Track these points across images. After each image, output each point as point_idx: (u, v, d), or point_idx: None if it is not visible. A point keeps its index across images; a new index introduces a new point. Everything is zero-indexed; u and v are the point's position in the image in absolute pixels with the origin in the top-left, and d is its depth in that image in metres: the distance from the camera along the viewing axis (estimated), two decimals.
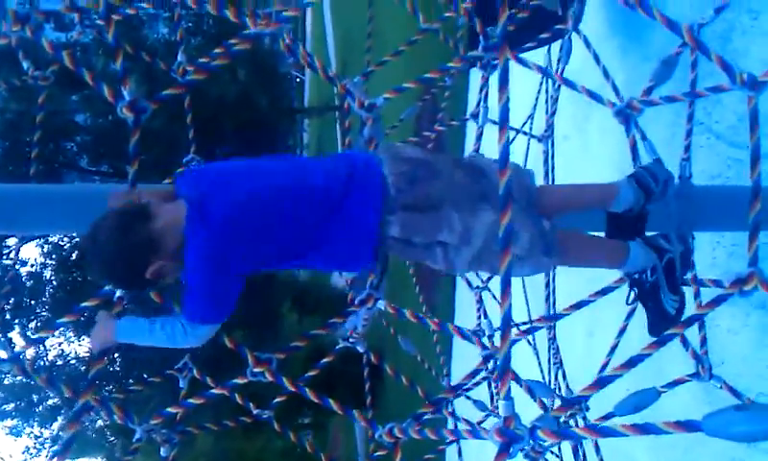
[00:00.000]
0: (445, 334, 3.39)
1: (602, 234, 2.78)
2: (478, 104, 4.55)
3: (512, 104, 1.77)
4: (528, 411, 2.01)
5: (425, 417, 2.44)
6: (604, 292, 2.97)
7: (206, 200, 2.27)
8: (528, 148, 6.25)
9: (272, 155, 2.63)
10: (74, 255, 18.74)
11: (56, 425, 20.00)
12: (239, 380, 2.70)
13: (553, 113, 5.69)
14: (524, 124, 6.15)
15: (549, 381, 5.34)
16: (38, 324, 17.85)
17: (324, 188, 2.34)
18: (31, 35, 3.09)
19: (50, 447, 20.15)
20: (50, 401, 19.31)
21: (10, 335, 3.37)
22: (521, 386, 3.01)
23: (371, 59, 4.33)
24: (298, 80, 36.27)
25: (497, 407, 4.53)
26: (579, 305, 3.03)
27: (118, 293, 2.57)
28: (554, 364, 5.31)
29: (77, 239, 18.00)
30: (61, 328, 16.59)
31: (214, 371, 3.63)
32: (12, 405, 19.71)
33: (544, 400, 3.32)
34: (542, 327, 4.41)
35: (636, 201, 2.65)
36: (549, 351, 5.39)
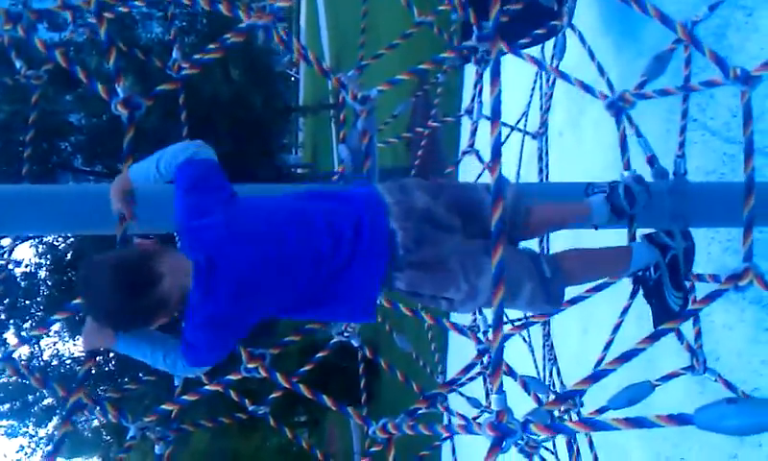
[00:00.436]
0: (441, 330, 3.39)
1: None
2: (473, 99, 4.56)
3: (506, 101, 1.77)
4: (524, 408, 2.01)
5: (420, 412, 2.44)
6: (599, 288, 2.97)
7: (212, 268, 2.25)
8: (522, 145, 6.25)
9: (272, 198, 2.55)
10: (68, 256, 18.69)
11: (51, 425, 19.96)
12: (233, 377, 2.69)
13: (547, 110, 5.70)
14: (518, 121, 6.15)
15: (544, 377, 5.35)
16: (33, 324, 17.80)
17: (329, 255, 2.34)
18: (23, 34, 3.08)
19: (45, 446, 20.12)
20: (45, 401, 19.27)
21: (4, 335, 3.37)
22: (516, 380, 3.01)
23: (365, 53, 4.33)
24: (292, 78, 36.24)
25: (491, 403, 4.53)
26: (574, 301, 3.03)
27: None
28: (549, 360, 5.31)
29: (71, 239, 17.98)
30: (56, 326, 16.56)
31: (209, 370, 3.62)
32: (7, 406, 19.67)
33: (539, 395, 3.32)
34: (537, 323, 4.40)
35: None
36: (544, 347, 5.40)
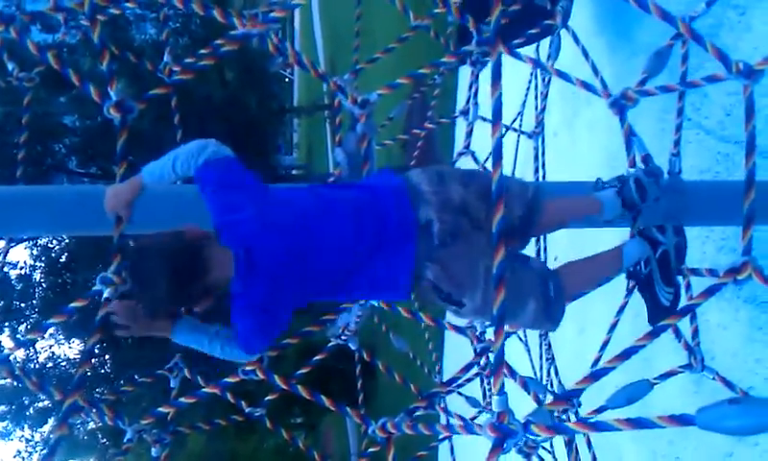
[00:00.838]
0: (438, 330, 3.40)
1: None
2: (468, 101, 4.56)
3: (502, 100, 1.77)
4: (521, 408, 2.01)
5: (418, 412, 2.44)
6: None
7: (250, 259, 2.35)
8: (518, 144, 6.25)
9: (299, 190, 2.63)
10: (63, 258, 18.64)
11: (47, 428, 19.91)
12: (231, 379, 2.68)
13: (543, 109, 5.70)
14: (514, 121, 6.16)
15: (541, 378, 5.35)
16: (28, 326, 17.75)
17: (354, 243, 2.44)
18: (15, 35, 3.07)
19: (41, 449, 20.06)
20: (41, 404, 19.22)
21: None
22: (516, 380, 3.01)
23: (359, 57, 4.32)
24: (287, 79, 36.21)
25: (490, 404, 4.53)
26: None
27: (106, 294, 2.55)
28: (546, 360, 5.31)
29: (66, 241, 17.93)
30: (52, 329, 16.51)
31: (205, 370, 3.61)
32: (2, 408, 19.61)
33: (539, 395, 3.32)
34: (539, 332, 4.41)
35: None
36: (541, 347, 5.40)
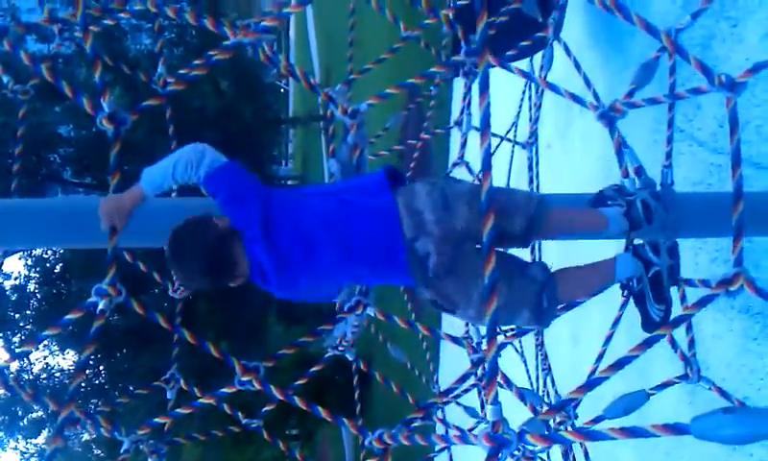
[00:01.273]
0: (433, 341, 3.40)
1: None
2: (462, 111, 4.58)
3: (495, 112, 1.79)
4: (518, 418, 2.02)
5: (415, 423, 2.44)
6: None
7: (262, 271, 2.62)
8: (512, 155, 6.28)
9: (301, 200, 2.72)
10: (57, 268, 18.59)
11: (41, 439, 19.80)
12: (227, 390, 2.68)
13: (536, 120, 5.73)
14: (508, 131, 6.18)
15: (537, 388, 5.35)
16: (23, 337, 17.68)
17: (347, 257, 2.59)
18: (9, 48, 3.07)
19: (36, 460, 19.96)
20: (35, 414, 19.12)
21: None
22: (512, 390, 3.01)
23: (353, 67, 4.34)
24: (282, 90, 36.24)
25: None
26: (566, 308, 3.04)
27: (101, 305, 2.55)
28: (542, 370, 5.32)
29: (60, 252, 17.88)
30: (46, 342, 16.46)
31: (201, 381, 3.61)
32: None
33: (534, 405, 3.33)
34: (530, 331, 4.42)
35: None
36: (537, 357, 5.41)
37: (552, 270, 2.74)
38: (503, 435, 1.52)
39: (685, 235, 3.29)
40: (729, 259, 2.39)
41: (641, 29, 2.54)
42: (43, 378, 18.90)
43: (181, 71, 3.70)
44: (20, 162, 4.11)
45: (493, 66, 2.85)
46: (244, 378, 2.58)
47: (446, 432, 4.30)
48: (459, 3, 3.81)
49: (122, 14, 3.56)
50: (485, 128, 1.73)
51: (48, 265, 18.63)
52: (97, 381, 18.53)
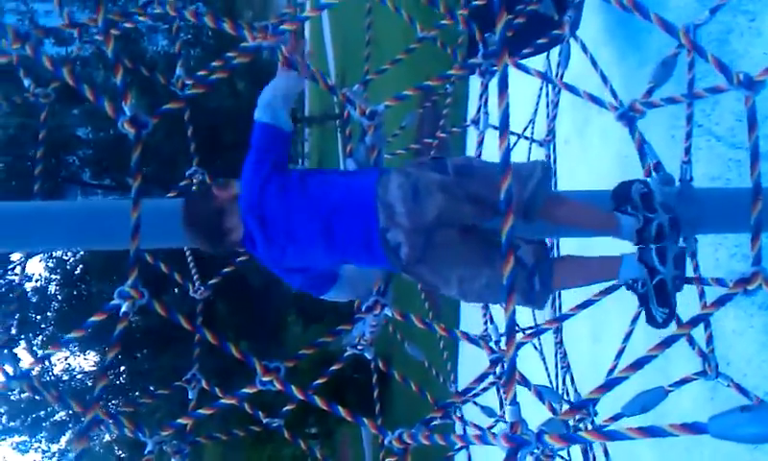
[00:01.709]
0: (451, 340, 3.42)
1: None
2: (478, 110, 4.56)
3: (512, 109, 1.79)
4: (538, 417, 2.02)
5: (434, 422, 2.45)
6: (608, 291, 2.97)
7: (252, 242, 2.79)
8: (530, 152, 6.26)
9: (293, 193, 2.79)
10: (78, 270, 18.77)
11: (63, 440, 19.99)
12: (249, 390, 2.70)
13: (554, 118, 5.71)
14: (525, 128, 6.17)
15: (557, 386, 5.34)
16: (44, 338, 17.86)
17: (329, 244, 2.71)
18: (31, 53, 3.11)
19: None
20: (57, 416, 19.32)
21: (15, 350, 3.39)
22: (530, 389, 3.01)
23: (370, 67, 4.35)
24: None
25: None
26: (584, 305, 3.03)
27: (124, 308, 2.57)
28: (561, 368, 5.31)
29: (80, 254, 18.04)
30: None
31: (222, 380, 3.64)
32: (18, 421, 19.72)
33: (553, 404, 3.33)
34: (549, 330, 4.41)
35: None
36: (556, 355, 5.39)
37: (555, 252, 2.74)
38: (522, 436, 1.53)
39: (704, 231, 3.28)
40: (748, 255, 2.39)
41: (659, 27, 2.52)
42: (65, 380, 19.08)
43: (200, 73, 3.74)
44: (41, 165, 4.17)
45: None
46: (265, 379, 2.60)
47: (465, 431, 4.30)
48: (475, 2, 3.81)
49: (141, 17, 3.58)
50: (504, 128, 1.74)
51: (68, 267, 18.81)
52: (118, 381, 18.69)
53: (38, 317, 18.39)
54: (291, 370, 2.80)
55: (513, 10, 4.11)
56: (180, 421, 2.84)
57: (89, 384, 18.65)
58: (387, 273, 2.89)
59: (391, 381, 4.01)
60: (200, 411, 2.86)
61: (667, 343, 2.00)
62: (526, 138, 6.08)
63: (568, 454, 4.51)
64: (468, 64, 3.29)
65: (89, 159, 18.99)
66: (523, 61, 3.85)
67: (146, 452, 2.69)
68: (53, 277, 18.85)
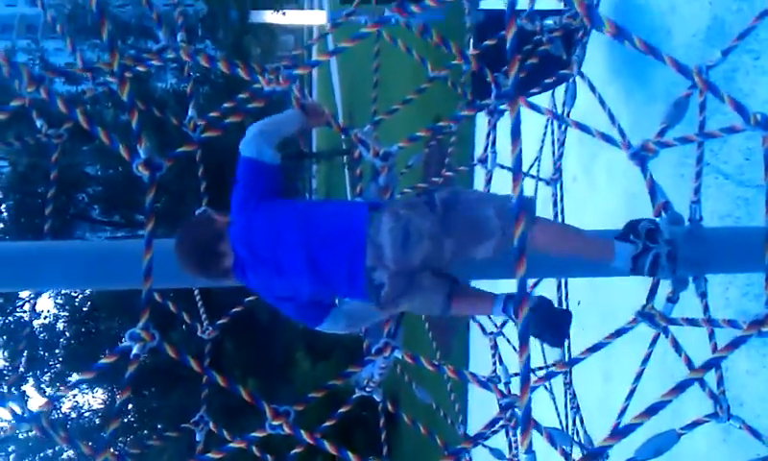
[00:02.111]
0: (461, 380, 3.39)
1: None
2: (486, 149, 4.58)
3: (522, 157, 1.79)
4: (546, 456, 2.00)
5: None
6: (619, 333, 2.96)
7: (243, 270, 2.85)
8: (536, 190, 6.26)
9: (279, 220, 2.86)
10: (86, 307, 18.77)
11: None
12: (258, 434, 2.69)
13: (560, 156, 5.72)
14: (531, 166, 6.17)
15: (566, 427, 5.28)
16: (52, 376, 17.80)
17: (314, 281, 2.79)
18: (45, 96, 3.14)
19: None
20: (65, 455, 19.18)
21: (23, 387, 3.37)
22: (542, 434, 2.98)
23: (378, 108, 4.38)
24: None
25: (515, 456, 4.47)
26: (595, 348, 3.01)
27: (135, 350, 2.57)
28: (571, 409, 5.25)
29: (88, 291, 18.04)
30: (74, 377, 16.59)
31: (229, 420, 3.61)
32: None
33: (565, 448, 3.29)
34: (560, 374, 4.37)
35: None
36: (566, 395, 5.34)
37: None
38: None
39: (716, 271, 3.26)
40: (760, 294, 2.37)
41: (672, 68, 2.52)
42: (73, 417, 18.99)
43: (212, 115, 3.76)
44: (52, 205, 4.19)
45: None
46: (275, 423, 2.59)
47: None
48: (484, 43, 3.85)
49: (153, 61, 3.62)
50: (517, 172, 1.74)
51: (76, 303, 18.81)
52: (126, 419, 18.59)
53: (46, 354, 18.35)
54: (299, 410, 2.78)
55: (521, 50, 4.15)
56: None
57: (97, 422, 18.55)
58: (398, 314, 2.89)
59: (399, 420, 3.97)
60: (208, 455, 2.83)
61: (681, 387, 1.98)
62: (532, 177, 6.08)
63: None
64: (480, 105, 3.32)
65: (98, 196, 19.08)
66: (530, 99, 3.87)
67: None
68: (61, 313, 18.85)
